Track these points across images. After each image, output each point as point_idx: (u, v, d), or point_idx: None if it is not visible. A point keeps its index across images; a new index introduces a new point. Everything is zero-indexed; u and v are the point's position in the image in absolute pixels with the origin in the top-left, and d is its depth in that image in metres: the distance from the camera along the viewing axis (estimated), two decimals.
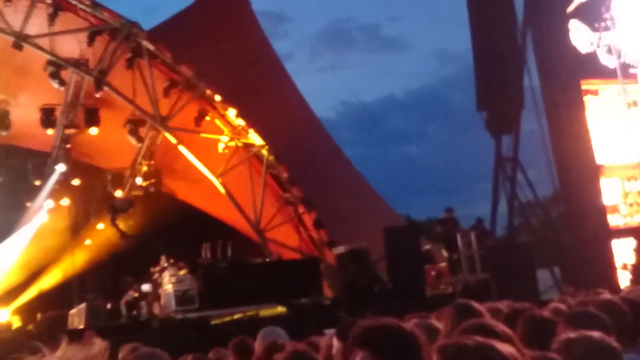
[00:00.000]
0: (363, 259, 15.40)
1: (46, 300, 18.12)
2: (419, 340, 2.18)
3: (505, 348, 2.02)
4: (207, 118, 17.13)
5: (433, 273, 17.02)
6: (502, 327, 2.71)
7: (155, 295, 15.26)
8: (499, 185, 21.48)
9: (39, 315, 16.42)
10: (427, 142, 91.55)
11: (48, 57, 15.45)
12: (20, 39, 14.94)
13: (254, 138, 17.49)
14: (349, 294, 14.70)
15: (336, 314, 10.89)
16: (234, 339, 6.01)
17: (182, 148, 17.35)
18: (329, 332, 4.40)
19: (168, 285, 14.51)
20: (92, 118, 17.14)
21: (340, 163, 20.28)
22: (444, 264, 17.40)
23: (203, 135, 17.17)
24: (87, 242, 19.85)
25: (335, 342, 3.52)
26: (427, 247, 17.67)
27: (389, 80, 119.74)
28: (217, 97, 16.83)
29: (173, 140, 17.16)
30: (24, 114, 17.24)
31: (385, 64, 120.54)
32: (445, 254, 17.55)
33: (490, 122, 21.31)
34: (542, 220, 22.74)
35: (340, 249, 15.94)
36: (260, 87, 18.66)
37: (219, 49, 18.15)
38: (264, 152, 17.54)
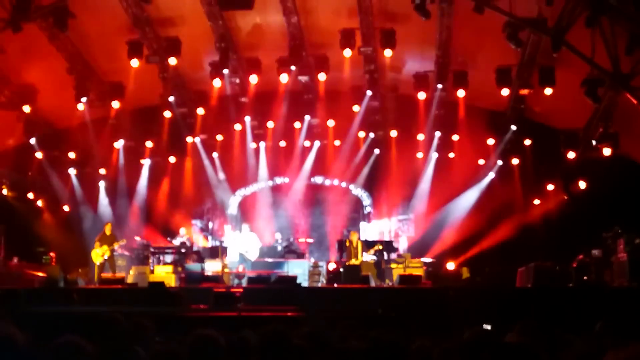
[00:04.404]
0: None
1: (493, 255, 18.76)
2: None
3: None
4: None
5: None
6: None
7: (606, 262, 14.70)
8: None
9: (487, 269, 17.14)
10: None
11: (507, 18, 15.62)
12: (482, 2, 15.34)
13: None
14: None
15: None
16: None
17: None
18: None
19: (622, 252, 13.83)
20: (548, 77, 17.04)
21: None
22: None
23: None
24: (536, 202, 19.94)
25: None
26: None
27: None
28: None
29: (635, 101, 16.05)
30: (480, 74, 17.89)
31: None
32: None
33: None
34: None
35: None
36: None
37: None
38: None
